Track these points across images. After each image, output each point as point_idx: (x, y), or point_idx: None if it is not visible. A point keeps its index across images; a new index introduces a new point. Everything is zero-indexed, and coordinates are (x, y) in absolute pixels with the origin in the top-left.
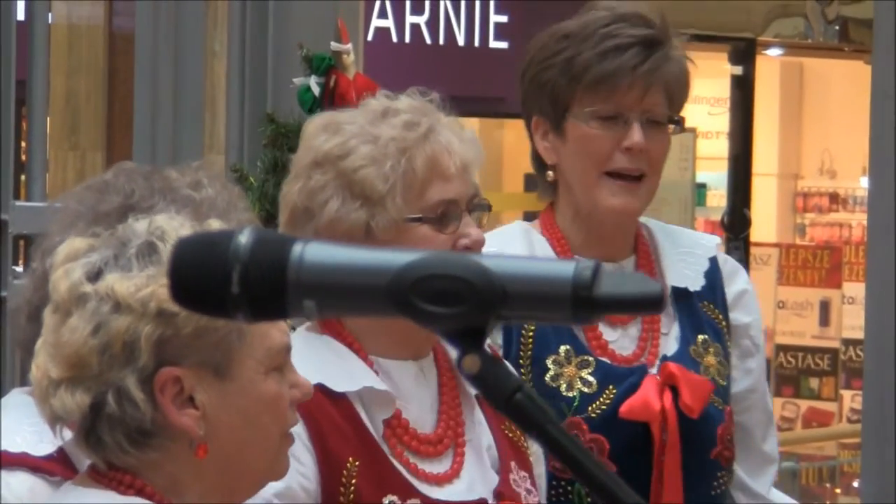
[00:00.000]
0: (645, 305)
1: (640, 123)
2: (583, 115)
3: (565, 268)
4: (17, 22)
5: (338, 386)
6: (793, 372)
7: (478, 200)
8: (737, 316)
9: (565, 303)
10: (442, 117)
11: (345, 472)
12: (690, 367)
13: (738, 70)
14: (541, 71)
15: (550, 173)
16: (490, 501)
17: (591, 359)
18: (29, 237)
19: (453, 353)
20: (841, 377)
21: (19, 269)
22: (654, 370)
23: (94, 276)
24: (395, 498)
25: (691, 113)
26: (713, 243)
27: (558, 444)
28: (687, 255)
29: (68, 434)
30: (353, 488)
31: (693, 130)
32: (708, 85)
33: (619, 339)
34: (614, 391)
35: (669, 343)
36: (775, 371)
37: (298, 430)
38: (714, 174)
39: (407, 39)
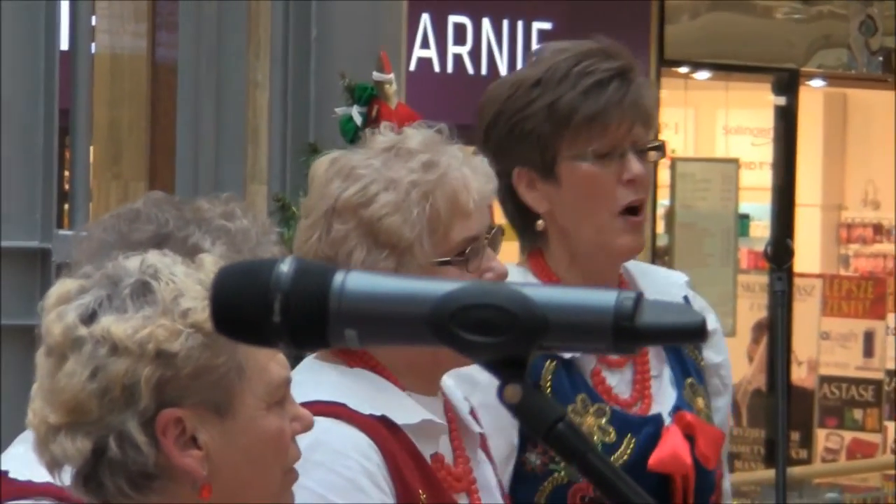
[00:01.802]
0: (687, 335)
1: (632, 154)
2: (578, 157)
3: (607, 297)
4: (60, 52)
5: (400, 419)
6: (836, 403)
7: (498, 231)
8: (709, 355)
9: (607, 333)
10: (451, 149)
11: (420, 503)
12: (689, 410)
13: (782, 101)
14: (517, 122)
15: (540, 222)
16: None
17: (605, 407)
18: (71, 266)
19: (456, 396)
20: (885, 408)
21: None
22: (668, 420)
23: (89, 318)
24: None
25: (734, 143)
26: (682, 281)
27: (600, 473)
28: (663, 294)
29: (67, 477)
30: None
31: (736, 161)
32: (751, 116)
33: (618, 384)
34: (633, 441)
35: (663, 386)
36: (819, 402)
37: (379, 463)
38: (757, 205)
39: (449, 69)
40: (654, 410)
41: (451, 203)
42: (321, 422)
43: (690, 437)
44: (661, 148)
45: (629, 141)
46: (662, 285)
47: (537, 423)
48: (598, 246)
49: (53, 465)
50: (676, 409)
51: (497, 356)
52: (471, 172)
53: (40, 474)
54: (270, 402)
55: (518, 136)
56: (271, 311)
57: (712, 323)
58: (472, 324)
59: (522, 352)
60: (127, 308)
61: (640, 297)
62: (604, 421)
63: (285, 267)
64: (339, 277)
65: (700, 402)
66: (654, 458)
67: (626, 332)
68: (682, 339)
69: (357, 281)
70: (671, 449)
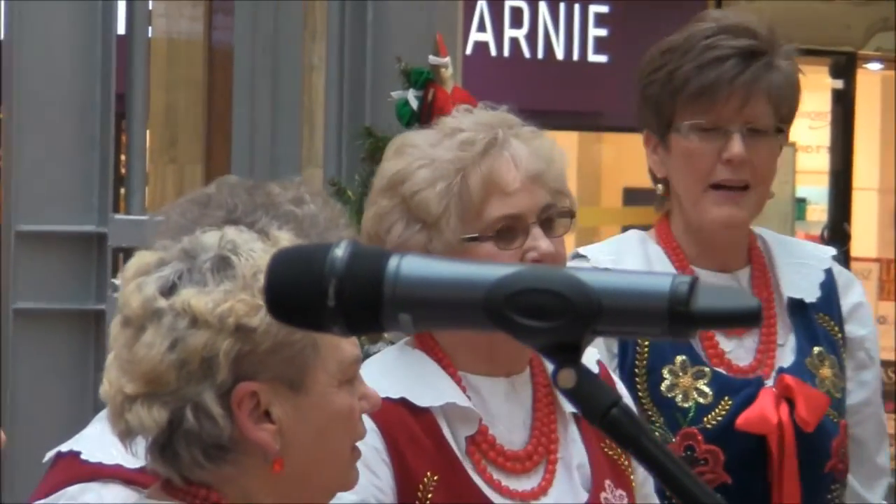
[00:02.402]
0: (742, 320)
1: (740, 134)
2: (683, 129)
3: (662, 282)
4: (117, 36)
5: (421, 401)
6: (891, 388)
7: (555, 209)
8: (852, 328)
9: (662, 317)
10: (515, 130)
11: (421, 486)
12: (806, 379)
13: (839, 84)
14: (646, 85)
15: (660, 186)
16: None
17: (707, 369)
18: (128, 250)
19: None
20: None
21: (118, 281)
22: (770, 382)
23: (169, 290)
24: None
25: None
26: (828, 255)
27: (655, 459)
28: (802, 266)
29: (140, 448)
30: (428, 502)
31: (793, 145)
32: (808, 99)
33: (735, 350)
34: (730, 402)
35: (786, 354)
36: None
37: (376, 444)
38: (814, 188)
39: (506, 53)
40: (772, 378)
41: (487, 180)
42: None
43: (790, 400)
44: (783, 131)
45: (740, 120)
46: (803, 256)
47: (592, 407)
48: (697, 217)
49: (127, 435)
50: (780, 373)
51: (551, 341)
52: (525, 152)
53: (111, 456)
54: (342, 379)
55: (644, 100)
56: (326, 296)
57: (858, 296)
58: (526, 308)
59: (576, 336)
60: (207, 282)
61: (695, 282)
62: (701, 383)
63: (340, 251)
64: (393, 262)
65: (826, 371)
66: (742, 418)
67: (681, 317)
68: (738, 324)
69: (411, 265)
70: (759, 410)
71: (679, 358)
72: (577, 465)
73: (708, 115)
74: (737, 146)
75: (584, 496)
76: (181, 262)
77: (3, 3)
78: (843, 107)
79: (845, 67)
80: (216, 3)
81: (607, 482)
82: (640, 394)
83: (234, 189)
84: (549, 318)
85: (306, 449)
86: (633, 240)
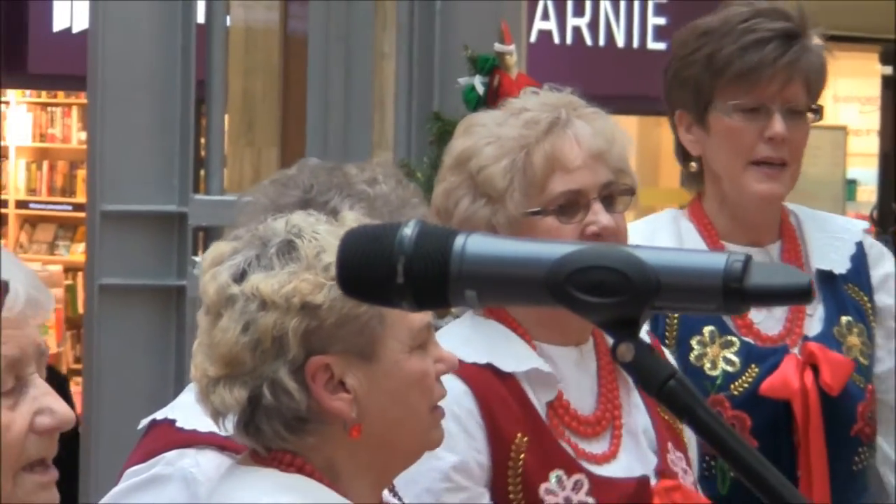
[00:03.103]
0: (794, 297)
1: (780, 114)
2: (726, 108)
3: (717, 260)
4: (196, 25)
5: (506, 366)
6: None
7: (616, 186)
8: (881, 298)
9: (717, 294)
10: (578, 110)
11: (513, 447)
12: (833, 347)
13: (889, 70)
14: (683, 67)
15: (693, 164)
16: (652, 479)
17: (735, 339)
18: (207, 229)
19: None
20: None
21: (198, 259)
22: (795, 350)
23: (240, 277)
24: (561, 473)
25: (843, 111)
26: (860, 228)
27: (710, 428)
28: (833, 239)
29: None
30: (521, 462)
31: (844, 128)
32: (859, 85)
33: (765, 321)
34: (757, 370)
35: (813, 324)
36: None
37: (470, 408)
38: (864, 170)
39: (568, 41)
40: (798, 347)
41: (551, 157)
42: None
43: (814, 366)
44: (817, 111)
45: (780, 100)
46: (834, 229)
47: (650, 379)
48: (737, 192)
49: (216, 415)
50: (805, 341)
51: (611, 316)
52: (588, 131)
53: (205, 424)
54: (413, 345)
55: (681, 81)
56: (395, 273)
57: (888, 267)
58: (587, 285)
59: (635, 312)
60: (273, 266)
61: (748, 260)
62: (729, 352)
63: (408, 230)
64: (459, 240)
65: (854, 339)
66: (765, 384)
67: (736, 294)
68: (790, 300)
69: (477, 244)
70: (781, 375)
71: (707, 328)
72: (642, 430)
73: (751, 95)
74: (778, 125)
75: (654, 459)
76: (251, 249)
77: None
78: (893, 92)
79: (895, 54)
80: None
81: (669, 445)
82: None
83: (314, 170)
84: (608, 294)
85: (383, 414)
86: (666, 217)
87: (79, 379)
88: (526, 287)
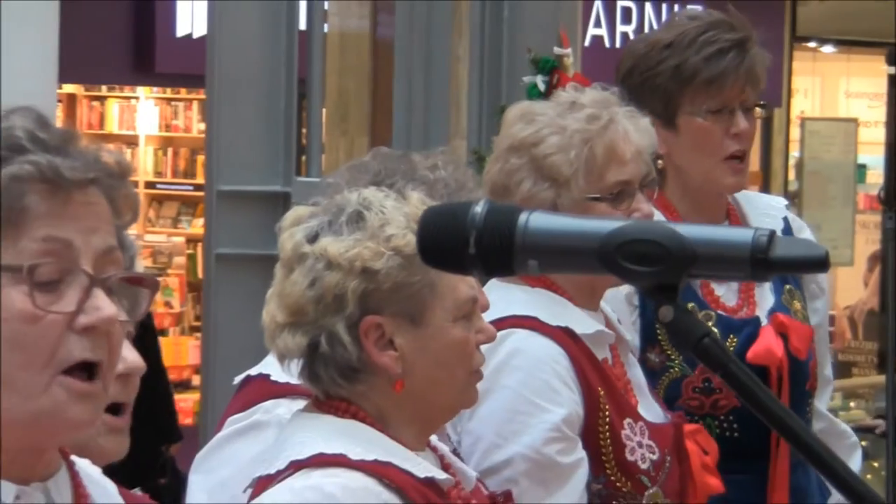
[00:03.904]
0: (814, 266)
1: (741, 112)
2: (696, 111)
3: (745, 234)
4: (299, 31)
5: (580, 329)
6: None
7: (649, 178)
8: None
9: (745, 264)
10: (620, 109)
11: (601, 399)
12: (788, 314)
13: (893, 70)
14: (649, 77)
15: (660, 161)
16: (672, 424)
17: (712, 313)
18: None
19: (609, 311)
20: None
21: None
22: (764, 321)
23: (312, 238)
24: (630, 420)
25: (854, 106)
26: (783, 204)
27: (739, 380)
28: (765, 215)
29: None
30: (607, 413)
31: (855, 120)
32: (868, 82)
33: (725, 294)
34: (735, 340)
35: (765, 293)
36: None
37: (567, 365)
38: (873, 157)
39: (618, 45)
40: (756, 314)
41: (609, 150)
42: (519, 332)
43: (784, 335)
44: (765, 106)
45: (739, 100)
46: (764, 208)
47: (687, 338)
48: (707, 184)
49: (281, 358)
50: (772, 312)
51: (653, 283)
52: (633, 128)
53: (289, 375)
54: (458, 315)
55: (648, 89)
56: (468, 245)
57: (808, 237)
58: (633, 256)
59: (674, 279)
60: (342, 232)
61: (773, 234)
62: (709, 324)
63: (479, 208)
64: (523, 217)
65: (797, 304)
66: (751, 353)
67: (762, 264)
68: (810, 269)
69: (538, 220)
70: (765, 345)
71: (689, 305)
72: (643, 384)
73: (717, 99)
74: (742, 122)
75: (657, 408)
76: (326, 215)
77: (207, 4)
78: None
79: None
80: (380, 3)
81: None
82: (660, 339)
83: (384, 158)
84: (651, 263)
85: (425, 373)
86: None
87: (198, 334)
88: (580, 257)
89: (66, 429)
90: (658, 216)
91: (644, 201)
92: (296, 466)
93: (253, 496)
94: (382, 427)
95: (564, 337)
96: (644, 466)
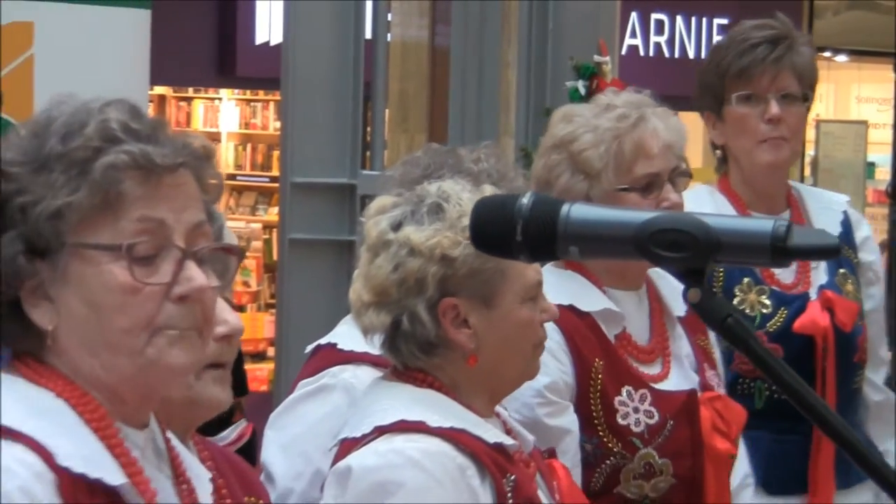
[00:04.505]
0: (825, 253)
1: (776, 100)
2: (733, 101)
3: (765, 225)
4: (364, 40)
5: (584, 307)
6: None
7: (680, 170)
8: (863, 255)
9: (765, 251)
10: (654, 109)
11: (593, 369)
12: (838, 293)
13: None
14: (702, 78)
15: (719, 152)
16: (698, 391)
17: (766, 287)
18: (371, 196)
19: (661, 287)
20: None
21: (364, 219)
22: (814, 297)
23: (396, 226)
24: (630, 388)
25: (864, 109)
26: (844, 200)
27: (758, 355)
28: (826, 208)
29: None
30: (599, 381)
31: (865, 122)
32: (877, 88)
33: (782, 273)
34: (785, 312)
35: (819, 274)
36: None
37: (559, 340)
38: (881, 155)
39: (651, 53)
40: (807, 290)
41: (637, 146)
42: None
43: (830, 309)
44: (809, 98)
45: (774, 89)
46: (826, 202)
47: (713, 317)
48: (749, 165)
49: (366, 333)
50: (821, 289)
51: (682, 267)
52: (662, 126)
53: (360, 345)
54: (525, 297)
55: (703, 88)
56: (515, 233)
57: (867, 231)
58: (665, 243)
59: (701, 264)
60: (423, 221)
61: (790, 225)
62: (763, 298)
63: (525, 200)
64: (565, 208)
65: (849, 286)
66: (797, 323)
67: (780, 251)
68: (821, 256)
69: (579, 211)
70: (811, 316)
71: (745, 280)
72: (685, 355)
73: (749, 87)
74: (773, 108)
75: (695, 378)
76: (408, 205)
77: (283, 15)
78: None
79: None
80: (438, 15)
81: (705, 365)
82: None
83: (434, 153)
84: (681, 250)
85: (495, 349)
86: (704, 191)
87: (273, 311)
88: (617, 244)
89: (170, 374)
90: (724, 203)
91: (672, 192)
92: (380, 431)
93: (338, 457)
94: (456, 396)
95: (566, 314)
96: (637, 430)
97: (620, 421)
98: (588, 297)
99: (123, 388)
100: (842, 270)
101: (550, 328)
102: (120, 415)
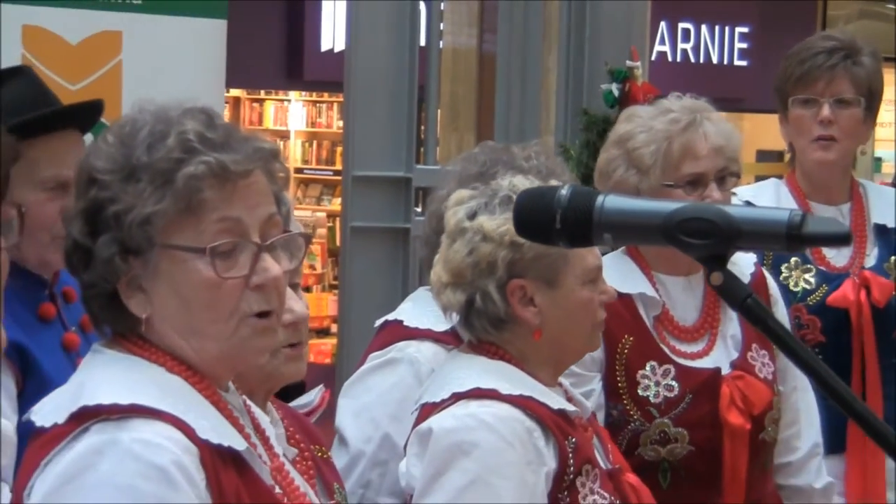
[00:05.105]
0: (837, 241)
1: (829, 104)
2: (793, 104)
3: (781, 214)
4: (419, 47)
5: (624, 289)
6: None
7: (729, 171)
8: None
9: (781, 238)
10: (708, 114)
11: (620, 345)
12: (884, 276)
13: None
14: (775, 82)
15: (787, 149)
16: (726, 370)
17: (812, 267)
18: (425, 189)
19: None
20: None
21: (419, 209)
22: (854, 277)
23: (472, 216)
24: (654, 363)
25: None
26: None
27: (775, 332)
28: (886, 201)
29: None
30: (625, 355)
31: None
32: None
33: (835, 256)
34: (826, 289)
35: (870, 260)
36: None
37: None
38: (887, 151)
39: (678, 59)
40: (850, 271)
41: (685, 147)
42: None
43: (867, 287)
44: (858, 102)
45: (828, 94)
46: (887, 196)
47: (733, 297)
48: (805, 161)
49: (444, 310)
50: (862, 270)
51: (706, 253)
52: (712, 130)
53: (423, 323)
54: (585, 279)
55: (775, 91)
56: (555, 221)
57: None
58: (690, 231)
59: (723, 250)
60: (495, 211)
61: (805, 214)
62: (808, 275)
63: (564, 191)
64: (600, 199)
65: None
66: (830, 297)
67: (796, 238)
68: (834, 243)
69: (612, 201)
70: (842, 292)
71: (793, 259)
72: (731, 335)
73: (806, 92)
74: (825, 111)
75: (734, 356)
76: (483, 198)
77: (345, 25)
78: None
79: None
80: (485, 24)
81: (754, 345)
82: None
83: (490, 150)
84: (705, 237)
85: (558, 325)
86: (771, 184)
87: (336, 291)
88: (646, 232)
89: (254, 356)
90: (787, 195)
91: (716, 190)
92: (457, 397)
93: (419, 419)
94: (523, 367)
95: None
96: (655, 401)
97: (641, 392)
98: (631, 280)
99: (212, 365)
100: (894, 258)
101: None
102: (214, 384)
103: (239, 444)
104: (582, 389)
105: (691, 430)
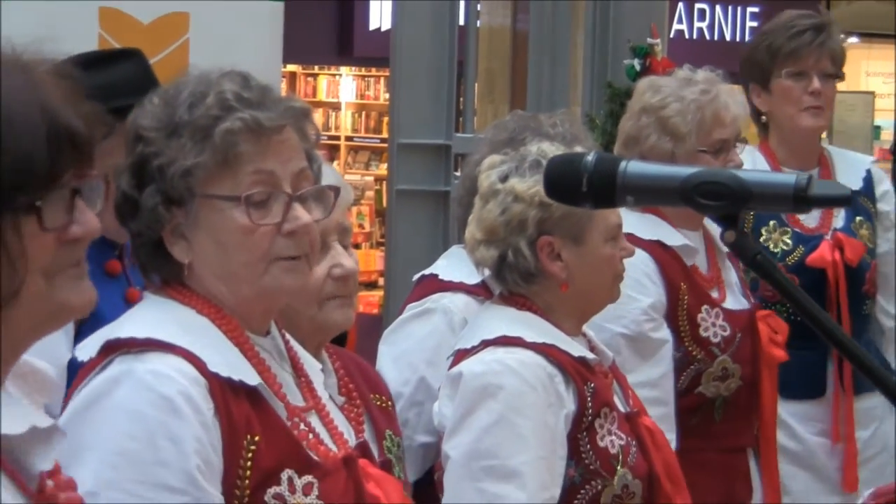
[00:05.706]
0: (840, 202)
1: (817, 77)
2: (782, 76)
3: (789, 178)
4: (458, 26)
5: (669, 242)
6: None
7: (739, 138)
8: (882, 206)
9: (789, 200)
10: (723, 86)
11: (680, 291)
12: (851, 235)
13: None
14: (752, 55)
15: (763, 117)
16: (749, 310)
17: (788, 229)
18: (463, 155)
19: (710, 225)
20: None
21: (456, 173)
22: (828, 238)
23: (504, 179)
24: (708, 307)
25: (872, 82)
26: (869, 160)
27: (783, 285)
28: (851, 166)
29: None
30: (685, 301)
31: (872, 93)
32: (883, 64)
33: (806, 218)
34: (802, 249)
35: (837, 221)
36: None
37: (654, 268)
38: (886, 120)
39: (694, 36)
40: (823, 232)
41: (714, 116)
42: None
43: (840, 248)
44: (841, 76)
45: (816, 68)
46: (851, 161)
47: (745, 254)
48: (792, 129)
49: (478, 265)
50: (835, 232)
51: (720, 213)
52: (731, 101)
53: (457, 276)
54: (608, 237)
55: (751, 64)
56: (581, 184)
57: (887, 186)
58: (705, 193)
59: (736, 211)
60: (525, 174)
61: (811, 177)
62: (786, 237)
63: (590, 157)
64: (623, 164)
65: (864, 231)
66: (810, 258)
67: (802, 200)
68: (837, 204)
69: (634, 167)
70: (820, 252)
71: (771, 222)
72: (734, 282)
73: (797, 65)
74: (816, 83)
75: (744, 300)
76: (513, 162)
77: (392, 6)
78: None
79: None
80: (519, 5)
81: (747, 291)
82: None
83: (519, 118)
84: (718, 199)
85: (583, 278)
86: (747, 151)
87: (383, 248)
88: (666, 194)
89: (285, 294)
90: (761, 160)
91: (737, 155)
92: (485, 344)
93: (453, 363)
94: (549, 318)
95: (655, 247)
96: (716, 340)
97: (702, 333)
98: (671, 235)
99: (247, 306)
100: (858, 218)
101: (646, 258)
102: (248, 326)
103: (252, 378)
104: (659, 333)
105: (743, 365)
